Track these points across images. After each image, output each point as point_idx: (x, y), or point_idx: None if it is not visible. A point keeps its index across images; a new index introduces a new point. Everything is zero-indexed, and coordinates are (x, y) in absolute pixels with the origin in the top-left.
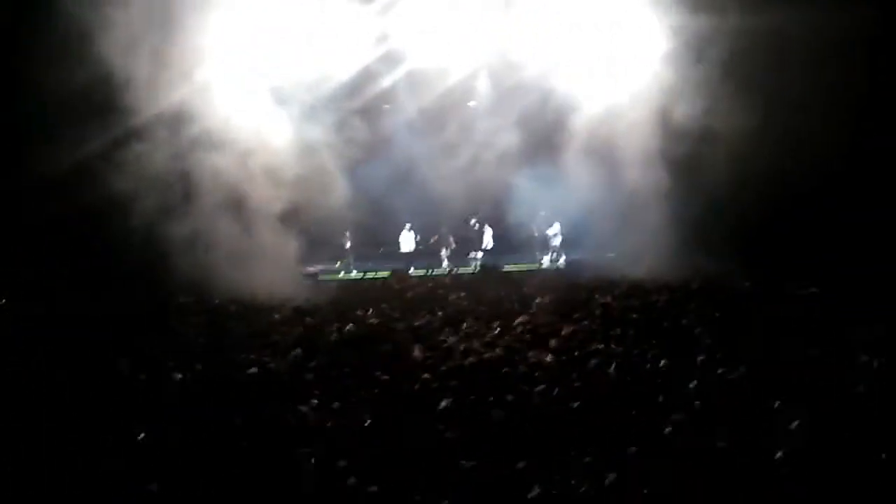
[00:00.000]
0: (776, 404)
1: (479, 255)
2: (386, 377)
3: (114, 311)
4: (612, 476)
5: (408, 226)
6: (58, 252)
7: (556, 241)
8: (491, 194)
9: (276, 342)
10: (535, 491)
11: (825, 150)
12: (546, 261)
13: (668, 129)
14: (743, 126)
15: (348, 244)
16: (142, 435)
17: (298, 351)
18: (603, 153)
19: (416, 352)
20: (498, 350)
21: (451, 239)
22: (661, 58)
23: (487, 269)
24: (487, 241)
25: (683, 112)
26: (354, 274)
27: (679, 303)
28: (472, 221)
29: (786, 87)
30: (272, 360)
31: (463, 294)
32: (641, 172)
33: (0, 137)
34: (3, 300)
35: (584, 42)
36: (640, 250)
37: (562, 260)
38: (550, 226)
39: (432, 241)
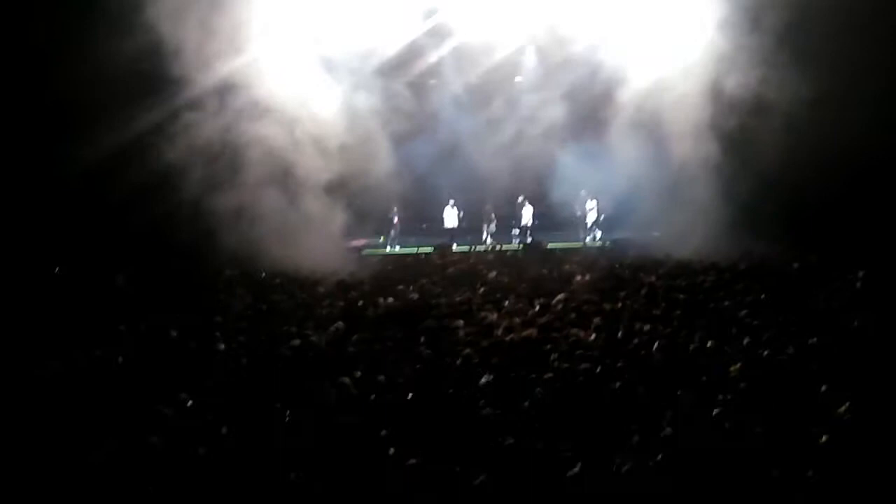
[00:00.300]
0: (822, 388)
1: (527, 232)
2: (428, 352)
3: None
4: (654, 457)
5: (451, 202)
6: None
7: (591, 219)
8: (536, 171)
9: (319, 315)
10: (576, 469)
11: (885, 125)
12: (586, 239)
13: (719, 101)
14: (798, 98)
15: (395, 219)
16: (189, 402)
17: (340, 324)
18: (651, 128)
19: (458, 327)
20: (538, 328)
21: (494, 215)
22: (715, 25)
23: (531, 247)
24: (530, 218)
25: (736, 83)
26: (398, 248)
27: (726, 284)
28: (521, 199)
29: (844, 57)
30: (314, 334)
31: (505, 270)
32: (690, 147)
33: (49, 116)
34: (58, 269)
35: (634, 11)
36: (687, 229)
37: (598, 236)
38: (588, 203)
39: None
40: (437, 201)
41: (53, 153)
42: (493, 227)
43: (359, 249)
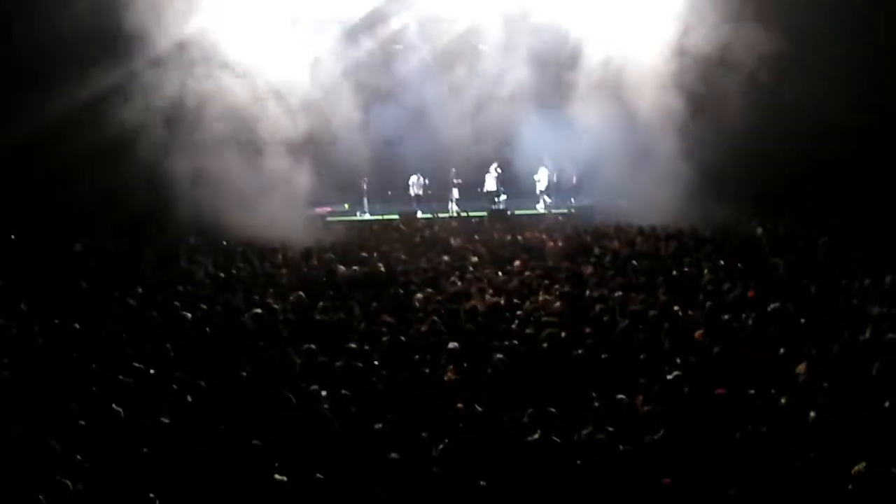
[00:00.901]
0: (781, 351)
1: (503, 198)
2: (391, 319)
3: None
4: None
5: (418, 175)
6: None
7: (548, 185)
8: (500, 138)
9: (281, 284)
10: (535, 435)
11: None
12: (540, 207)
13: (683, 61)
14: (764, 57)
15: (365, 186)
16: (152, 371)
17: (301, 293)
18: (615, 93)
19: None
20: (503, 295)
21: (458, 182)
22: None
23: (495, 213)
24: (494, 184)
25: (700, 42)
26: (367, 215)
27: (689, 250)
28: (494, 167)
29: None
30: (276, 302)
31: (470, 238)
32: (655, 111)
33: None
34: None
35: None
36: (652, 196)
37: (549, 202)
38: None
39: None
40: (401, 168)
41: (4, 115)
42: (455, 193)
43: (323, 216)
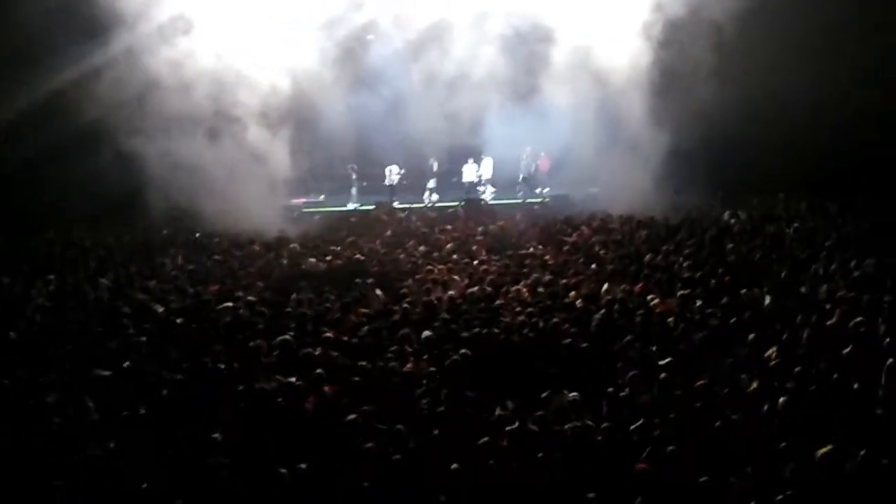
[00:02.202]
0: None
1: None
2: (365, 310)
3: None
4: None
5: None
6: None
7: (525, 175)
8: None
9: (256, 275)
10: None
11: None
12: (525, 195)
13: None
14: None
15: (354, 175)
16: (126, 363)
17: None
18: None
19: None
20: (478, 284)
21: (435, 171)
22: None
23: (470, 203)
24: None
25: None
26: (359, 205)
27: (662, 238)
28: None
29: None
30: (248, 294)
31: (447, 228)
32: (628, 100)
33: None
34: None
35: None
36: (624, 185)
37: (523, 192)
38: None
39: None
40: (377, 157)
41: None
42: (433, 183)
43: (299, 207)
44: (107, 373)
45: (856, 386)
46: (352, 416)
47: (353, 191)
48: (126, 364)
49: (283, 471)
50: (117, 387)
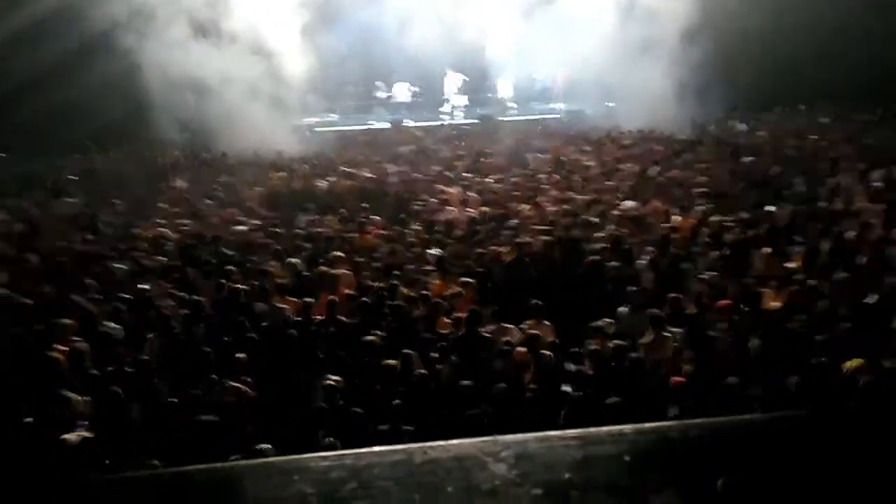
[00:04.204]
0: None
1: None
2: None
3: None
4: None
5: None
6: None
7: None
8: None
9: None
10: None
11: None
12: (504, 112)
13: None
14: None
15: (381, 94)
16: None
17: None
18: None
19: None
20: (493, 203)
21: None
22: None
23: (485, 120)
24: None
25: None
26: (378, 123)
27: (677, 153)
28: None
29: None
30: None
31: (460, 146)
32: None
33: None
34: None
35: None
36: (640, 101)
37: (505, 112)
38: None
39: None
40: (389, 76)
41: None
42: (453, 99)
43: (311, 126)
44: (128, 296)
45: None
46: (369, 338)
47: (378, 108)
48: (145, 287)
49: (324, 382)
50: (137, 310)
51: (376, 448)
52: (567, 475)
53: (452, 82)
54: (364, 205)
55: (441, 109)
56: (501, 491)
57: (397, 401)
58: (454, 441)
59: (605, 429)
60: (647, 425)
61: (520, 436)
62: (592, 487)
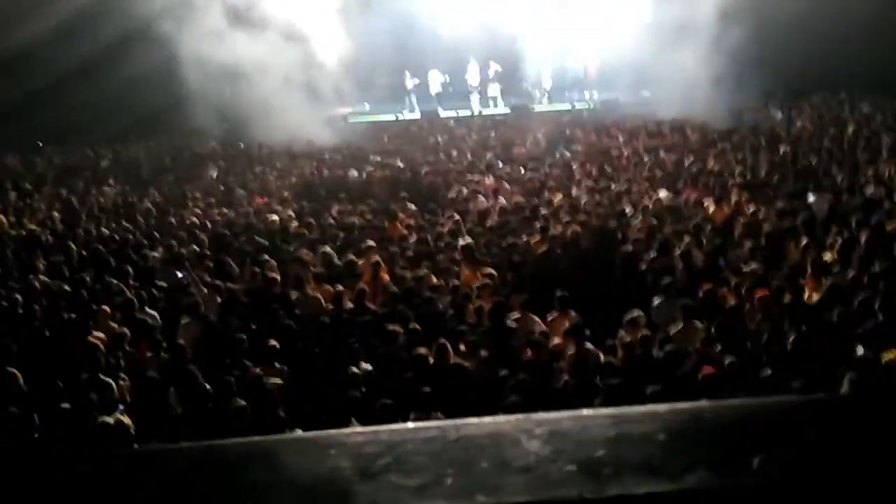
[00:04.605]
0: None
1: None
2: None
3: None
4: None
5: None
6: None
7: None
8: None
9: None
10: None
11: None
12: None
13: None
14: None
15: (411, 84)
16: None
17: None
18: None
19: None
20: (527, 193)
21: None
22: None
23: (517, 110)
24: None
25: None
26: (416, 114)
27: (712, 142)
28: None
29: None
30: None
31: (491, 136)
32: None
33: None
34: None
35: None
36: (675, 89)
37: (539, 102)
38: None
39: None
40: (419, 65)
41: None
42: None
43: (344, 117)
44: (163, 284)
45: None
46: (393, 328)
47: (412, 99)
48: (181, 275)
49: (353, 370)
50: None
51: (410, 424)
52: (601, 452)
53: (478, 71)
54: (396, 194)
55: (471, 99)
56: (535, 467)
57: (427, 388)
58: (488, 419)
59: (638, 408)
60: (681, 405)
61: (553, 414)
62: (626, 465)
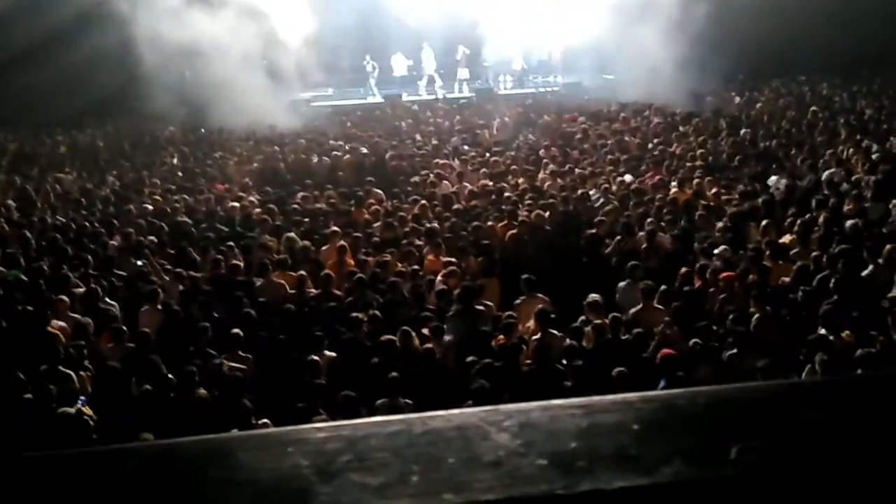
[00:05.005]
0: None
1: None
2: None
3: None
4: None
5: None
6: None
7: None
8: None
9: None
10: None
11: None
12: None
13: None
14: None
15: (371, 68)
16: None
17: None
18: None
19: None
20: (492, 176)
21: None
22: None
23: (481, 94)
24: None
25: None
26: (377, 97)
27: (674, 126)
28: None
29: None
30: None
31: (457, 120)
32: None
33: None
34: None
35: None
36: (638, 72)
37: (503, 85)
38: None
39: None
40: (384, 48)
41: None
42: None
43: (307, 101)
44: (122, 273)
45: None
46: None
47: (372, 83)
48: (140, 264)
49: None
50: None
51: (374, 419)
52: (573, 445)
53: (433, 57)
54: (361, 180)
55: (424, 83)
56: (504, 461)
57: (395, 374)
58: (455, 411)
59: (610, 398)
60: (654, 393)
61: (523, 405)
62: (599, 457)
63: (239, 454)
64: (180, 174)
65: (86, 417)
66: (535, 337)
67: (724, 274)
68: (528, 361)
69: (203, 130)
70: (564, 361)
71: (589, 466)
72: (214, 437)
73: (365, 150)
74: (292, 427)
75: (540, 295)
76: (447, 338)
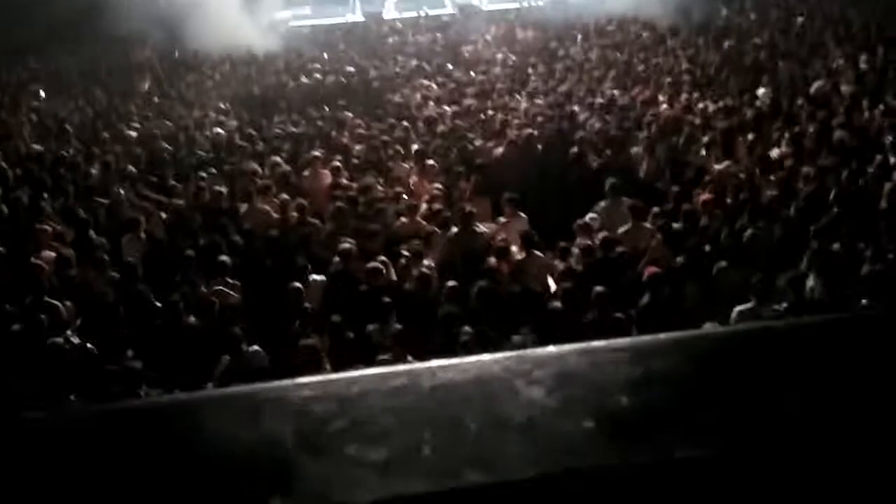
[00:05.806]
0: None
1: None
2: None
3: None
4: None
5: None
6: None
7: None
8: None
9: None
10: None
11: None
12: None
13: None
14: None
15: None
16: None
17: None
18: None
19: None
20: (476, 96)
21: None
22: None
23: (465, 10)
24: None
25: None
26: (327, 19)
27: (661, 40)
28: None
29: None
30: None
31: (439, 38)
32: None
33: None
34: None
35: None
36: None
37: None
38: None
39: None
40: None
41: None
42: None
43: (285, 21)
44: (104, 201)
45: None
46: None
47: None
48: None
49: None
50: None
51: (371, 371)
52: (624, 401)
53: None
54: (342, 102)
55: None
56: (540, 425)
57: (387, 298)
58: (471, 358)
59: (660, 337)
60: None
61: (553, 349)
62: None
63: (201, 418)
64: (156, 100)
65: (77, 347)
66: (517, 258)
67: (706, 196)
68: (515, 287)
69: (177, 54)
70: (552, 283)
71: (646, 430)
72: (171, 398)
73: (349, 70)
74: (268, 384)
75: (522, 215)
76: (427, 262)
